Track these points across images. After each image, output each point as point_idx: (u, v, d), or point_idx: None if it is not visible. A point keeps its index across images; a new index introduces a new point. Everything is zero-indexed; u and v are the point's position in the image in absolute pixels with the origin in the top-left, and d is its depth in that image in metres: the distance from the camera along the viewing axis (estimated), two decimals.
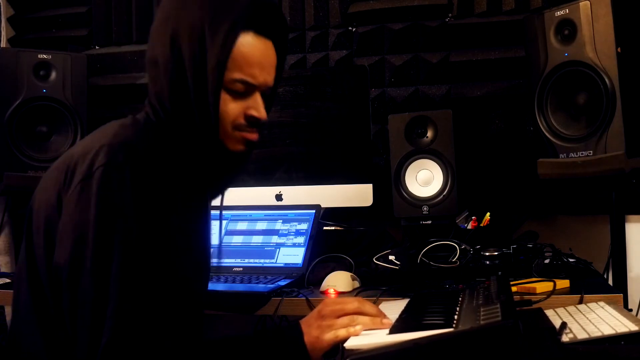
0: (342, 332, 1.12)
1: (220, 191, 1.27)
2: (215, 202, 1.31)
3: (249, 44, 1.12)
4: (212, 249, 1.33)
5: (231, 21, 1.09)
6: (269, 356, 1.12)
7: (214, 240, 1.96)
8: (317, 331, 1.13)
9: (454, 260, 1.76)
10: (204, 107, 1.10)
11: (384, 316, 1.17)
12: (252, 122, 1.16)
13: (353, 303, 1.16)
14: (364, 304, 1.17)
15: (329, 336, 1.12)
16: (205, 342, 1.12)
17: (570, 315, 1.24)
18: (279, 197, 2.16)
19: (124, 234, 1.01)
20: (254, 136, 1.18)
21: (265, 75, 1.16)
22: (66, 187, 1.05)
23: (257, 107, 1.16)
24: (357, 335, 1.11)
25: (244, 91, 1.14)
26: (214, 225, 1.38)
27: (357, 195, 2.10)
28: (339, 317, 1.14)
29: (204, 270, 1.28)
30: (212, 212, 1.36)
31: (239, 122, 1.15)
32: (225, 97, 1.12)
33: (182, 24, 1.10)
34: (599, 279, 1.74)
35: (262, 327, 1.30)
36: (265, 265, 1.88)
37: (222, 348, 1.11)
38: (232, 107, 1.13)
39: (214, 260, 1.91)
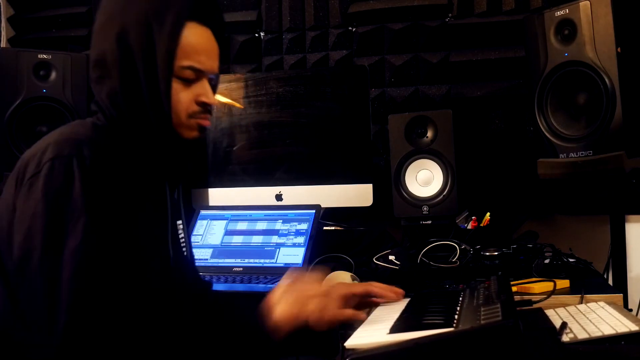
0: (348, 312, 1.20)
1: (179, 179, 1.29)
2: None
3: (194, 32, 1.17)
4: (183, 245, 1.33)
5: (176, 12, 1.14)
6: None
7: (217, 240, 1.98)
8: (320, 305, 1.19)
9: (454, 260, 1.76)
10: (157, 96, 1.13)
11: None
12: (204, 108, 1.20)
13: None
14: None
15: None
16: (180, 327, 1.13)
17: (571, 315, 1.24)
18: (279, 197, 2.16)
19: (72, 224, 1.02)
20: (207, 122, 1.22)
21: (212, 62, 1.21)
22: (18, 189, 1.06)
23: (207, 93, 1.20)
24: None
25: (193, 78, 1.18)
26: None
27: (357, 195, 2.11)
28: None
29: (163, 260, 1.26)
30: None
31: (192, 110, 1.19)
32: (175, 85, 1.15)
33: (128, 19, 1.13)
34: (599, 279, 1.74)
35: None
36: (265, 265, 1.88)
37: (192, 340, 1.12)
38: (183, 95, 1.17)
39: (215, 260, 1.92)
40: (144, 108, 1.13)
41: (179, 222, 1.31)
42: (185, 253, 1.33)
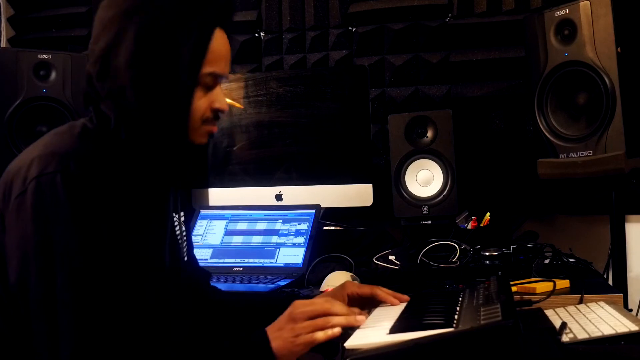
0: (319, 335, 1.10)
1: (183, 182, 1.25)
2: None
3: (218, 39, 1.13)
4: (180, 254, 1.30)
5: (205, 17, 1.10)
6: None
7: (217, 240, 1.98)
8: (289, 334, 1.11)
9: (454, 260, 1.76)
10: (176, 103, 1.08)
11: (357, 312, 1.17)
12: (217, 115, 1.17)
13: (323, 304, 1.15)
14: (333, 304, 1.16)
15: (305, 339, 1.10)
16: (172, 350, 1.10)
17: (570, 315, 1.24)
18: (279, 197, 2.16)
19: (63, 244, 0.99)
20: (215, 128, 1.19)
21: (229, 67, 1.18)
22: (5, 204, 1.04)
23: (221, 99, 1.16)
24: (336, 335, 1.10)
25: (211, 84, 1.14)
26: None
27: (357, 195, 2.11)
28: (310, 318, 1.12)
29: (159, 269, 1.23)
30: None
31: (206, 116, 1.15)
32: (196, 92, 1.12)
33: (151, 17, 1.07)
34: (599, 279, 1.74)
35: (230, 336, 1.26)
36: (265, 265, 1.88)
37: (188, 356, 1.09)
38: (201, 102, 1.13)
39: (215, 260, 1.92)
40: (159, 113, 1.08)
41: (176, 215, 1.28)
42: (184, 248, 1.32)
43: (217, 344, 1.13)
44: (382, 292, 1.29)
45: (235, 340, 1.13)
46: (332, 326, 1.11)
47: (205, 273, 1.45)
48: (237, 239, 1.96)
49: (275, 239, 1.93)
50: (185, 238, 1.32)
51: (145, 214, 1.16)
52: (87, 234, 1.01)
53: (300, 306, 1.15)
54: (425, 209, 1.99)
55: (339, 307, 1.16)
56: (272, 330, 1.12)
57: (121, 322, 1.02)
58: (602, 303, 1.31)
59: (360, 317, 1.14)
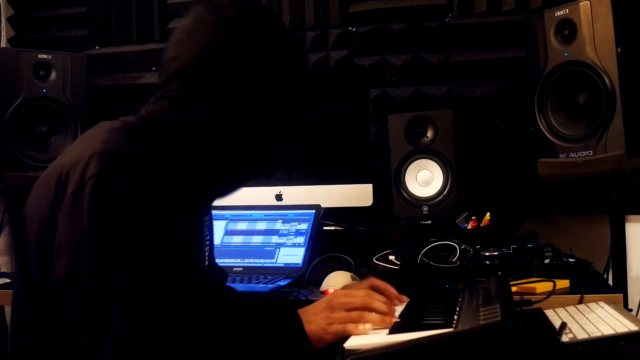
0: (350, 327, 1.10)
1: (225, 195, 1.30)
2: (220, 202, 1.32)
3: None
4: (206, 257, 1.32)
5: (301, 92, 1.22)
6: (271, 350, 1.10)
7: (217, 239, 1.98)
8: (324, 322, 1.11)
9: (454, 260, 1.76)
10: (261, 145, 1.22)
11: (393, 313, 1.16)
12: None
13: (363, 298, 1.16)
14: (373, 300, 1.16)
15: (337, 329, 1.10)
16: (206, 337, 1.11)
17: (570, 315, 1.24)
18: (279, 197, 2.16)
19: (119, 244, 0.98)
20: None
21: None
22: (59, 198, 1.02)
23: None
24: (365, 333, 1.10)
25: None
26: (218, 225, 1.38)
27: (357, 195, 2.10)
28: (347, 310, 1.13)
29: (198, 270, 1.26)
30: (214, 212, 1.36)
31: None
32: None
33: (272, 64, 1.13)
34: (599, 279, 1.73)
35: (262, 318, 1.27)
36: (265, 265, 1.88)
37: (222, 343, 1.10)
38: None
39: (216, 260, 1.92)
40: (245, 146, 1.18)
41: (205, 217, 1.30)
42: (207, 252, 1.32)
43: (251, 324, 1.14)
44: (378, 282, 1.28)
45: (270, 321, 1.14)
46: (365, 322, 1.11)
47: (223, 273, 1.45)
48: (237, 239, 1.97)
49: (275, 239, 1.93)
50: (208, 242, 1.33)
51: (189, 217, 1.17)
52: (144, 235, 1.00)
53: (340, 296, 1.17)
54: (425, 209, 1.99)
55: (378, 303, 1.16)
56: (307, 314, 1.13)
57: (165, 325, 1.02)
58: (602, 303, 1.31)
59: (395, 320, 1.14)
